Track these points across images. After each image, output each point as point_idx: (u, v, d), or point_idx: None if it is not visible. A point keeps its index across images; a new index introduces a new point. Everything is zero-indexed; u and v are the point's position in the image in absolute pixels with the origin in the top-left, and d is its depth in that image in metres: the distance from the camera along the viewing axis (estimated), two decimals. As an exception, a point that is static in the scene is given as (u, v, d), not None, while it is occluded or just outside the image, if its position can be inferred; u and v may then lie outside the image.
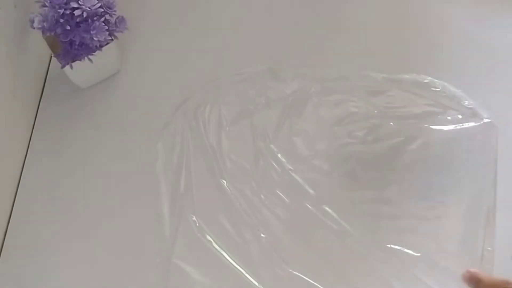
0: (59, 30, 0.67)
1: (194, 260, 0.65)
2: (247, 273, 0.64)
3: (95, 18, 0.68)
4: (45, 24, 0.67)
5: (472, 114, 0.70)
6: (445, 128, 0.70)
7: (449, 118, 0.70)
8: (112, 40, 0.71)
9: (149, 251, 0.66)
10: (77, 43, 0.68)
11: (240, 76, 0.75)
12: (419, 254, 0.63)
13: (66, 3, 0.66)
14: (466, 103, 0.70)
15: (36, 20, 0.67)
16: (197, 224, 0.66)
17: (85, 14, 0.66)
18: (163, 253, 0.65)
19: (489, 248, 0.63)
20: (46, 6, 0.67)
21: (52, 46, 0.73)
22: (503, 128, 0.69)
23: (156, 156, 0.71)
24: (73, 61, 0.70)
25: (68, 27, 0.67)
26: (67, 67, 0.71)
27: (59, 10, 0.66)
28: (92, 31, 0.67)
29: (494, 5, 0.63)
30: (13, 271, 0.66)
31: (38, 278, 0.66)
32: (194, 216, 0.67)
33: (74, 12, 0.66)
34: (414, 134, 0.69)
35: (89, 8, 0.66)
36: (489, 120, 0.69)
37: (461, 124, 0.69)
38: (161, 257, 0.65)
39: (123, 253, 0.66)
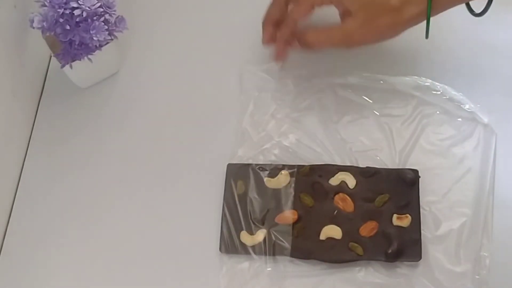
0: (58, 30, 0.67)
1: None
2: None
3: (94, 18, 0.67)
4: (44, 23, 0.66)
5: (472, 118, 0.70)
6: (444, 131, 0.70)
7: (449, 121, 0.70)
8: (112, 40, 0.71)
9: (149, 249, 0.66)
10: (76, 42, 0.68)
11: (240, 76, 0.75)
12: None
13: (65, 3, 0.66)
14: (467, 106, 0.70)
15: (36, 19, 0.66)
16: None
17: (84, 14, 0.66)
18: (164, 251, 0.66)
19: (485, 254, 0.63)
20: (45, 5, 0.67)
21: (51, 45, 0.73)
22: (502, 132, 0.69)
23: (156, 155, 0.71)
24: (73, 60, 0.70)
25: (68, 27, 0.67)
26: (67, 67, 0.71)
27: (58, 10, 0.66)
28: (92, 30, 0.67)
29: (496, 6, 0.63)
30: (13, 271, 0.66)
31: (38, 278, 0.66)
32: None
33: (73, 12, 0.66)
34: (413, 137, 0.70)
35: (89, 7, 0.66)
36: (489, 124, 0.69)
37: (460, 128, 0.69)
38: (161, 258, 0.65)
39: (123, 253, 0.67)
